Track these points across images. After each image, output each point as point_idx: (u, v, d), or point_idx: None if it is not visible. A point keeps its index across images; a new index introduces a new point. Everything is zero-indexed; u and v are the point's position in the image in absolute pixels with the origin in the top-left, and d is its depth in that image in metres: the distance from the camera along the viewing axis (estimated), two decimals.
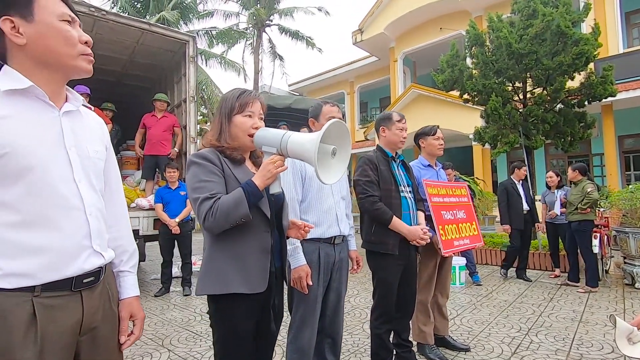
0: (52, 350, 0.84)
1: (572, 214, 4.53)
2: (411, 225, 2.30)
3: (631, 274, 4.57)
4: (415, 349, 2.64)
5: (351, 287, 4.74)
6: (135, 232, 4.65)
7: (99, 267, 0.95)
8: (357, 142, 15.37)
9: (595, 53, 5.80)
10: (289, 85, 18.68)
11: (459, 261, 4.77)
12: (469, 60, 7.06)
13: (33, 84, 0.88)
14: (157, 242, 4.81)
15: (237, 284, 1.28)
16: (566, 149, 6.43)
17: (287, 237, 1.52)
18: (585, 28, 8.13)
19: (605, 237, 5.25)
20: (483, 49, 6.50)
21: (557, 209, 5.00)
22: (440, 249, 2.50)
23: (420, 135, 2.87)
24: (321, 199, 1.89)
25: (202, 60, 13.39)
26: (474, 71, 6.73)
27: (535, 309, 3.75)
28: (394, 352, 2.39)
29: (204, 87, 12.79)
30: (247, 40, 15.73)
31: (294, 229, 1.48)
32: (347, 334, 3.12)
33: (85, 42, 0.95)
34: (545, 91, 6.25)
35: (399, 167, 2.42)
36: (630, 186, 5.12)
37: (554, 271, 5.29)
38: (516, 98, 6.65)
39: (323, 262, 1.86)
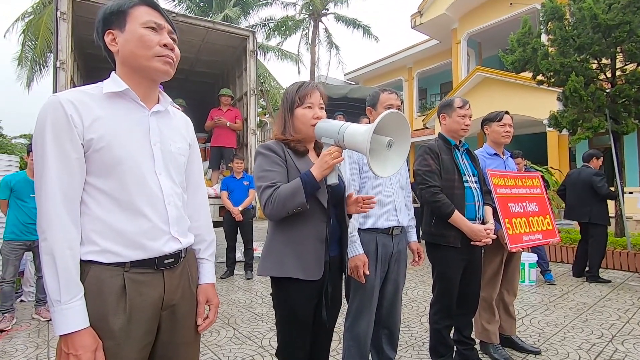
0: (138, 319, 0.96)
1: None
2: (476, 217, 2.18)
3: None
4: (478, 347, 2.52)
5: (409, 279, 4.64)
6: None
7: (177, 251, 1.05)
8: (415, 130, 14.81)
9: None
10: (345, 75, 18.52)
11: (529, 258, 4.41)
12: (544, 37, 6.36)
13: (128, 87, 1.02)
14: (222, 228, 5.15)
15: (294, 268, 1.34)
16: None
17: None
18: None
19: None
20: (562, 24, 5.79)
21: None
22: (506, 244, 2.33)
23: (485, 122, 2.68)
24: (379, 188, 1.86)
25: (260, 53, 13.83)
26: (550, 49, 6.04)
27: (621, 314, 3.34)
28: (455, 349, 2.31)
29: (262, 80, 13.23)
30: (303, 30, 15.87)
31: (352, 205, 1.48)
32: (405, 326, 3.07)
33: (165, 45, 1.03)
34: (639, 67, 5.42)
35: (463, 156, 2.29)
36: None
37: None
38: (602, 77, 5.85)
39: (380, 252, 1.84)
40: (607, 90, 5.67)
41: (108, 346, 0.92)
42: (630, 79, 5.38)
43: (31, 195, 3.28)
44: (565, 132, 6.59)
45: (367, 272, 1.73)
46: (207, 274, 1.20)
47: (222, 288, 4.29)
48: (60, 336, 0.89)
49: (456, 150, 2.25)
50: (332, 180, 1.35)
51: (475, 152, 2.65)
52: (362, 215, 1.86)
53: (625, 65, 5.70)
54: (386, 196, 1.87)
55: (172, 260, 1.04)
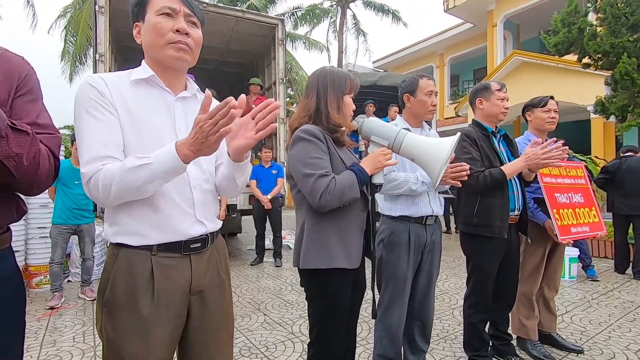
0: (166, 303, 0.97)
1: None
2: (515, 208, 2.07)
3: None
4: (515, 342, 2.42)
5: (439, 271, 4.53)
6: (233, 207, 5.14)
7: (203, 235, 1.05)
8: (446, 119, 14.34)
9: None
10: (373, 62, 18.11)
11: (570, 252, 4.17)
12: (592, 16, 5.90)
13: (154, 74, 1.02)
14: (251, 216, 5.24)
15: (341, 258, 1.33)
16: None
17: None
18: None
19: None
20: (614, 0, 5.35)
21: None
22: (557, 235, 2.19)
23: (527, 107, 2.52)
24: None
25: (288, 42, 13.79)
26: (598, 29, 5.60)
27: None
28: (490, 344, 2.23)
29: (290, 69, 13.21)
30: (331, 18, 15.62)
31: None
32: (436, 319, 3.01)
33: (177, 30, 0.98)
34: None
35: (501, 143, 2.17)
36: None
37: None
38: None
39: (413, 242, 1.79)
40: None
41: (138, 329, 0.94)
42: None
43: (75, 182, 3.47)
44: (612, 119, 6.14)
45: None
46: None
47: (252, 275, 4.38)
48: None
49: (493, 137, 2.13)
50: (379, 180, 1.39)
51: (517, 139, 2.51)
52: (395, 203, 1.81)
53: None
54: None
55: (199, 245, 1.04)
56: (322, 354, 1.38)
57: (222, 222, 1.17)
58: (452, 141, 1.30)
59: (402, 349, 1.97)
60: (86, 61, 12.59)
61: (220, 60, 6.60)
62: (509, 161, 2.13)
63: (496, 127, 2.21)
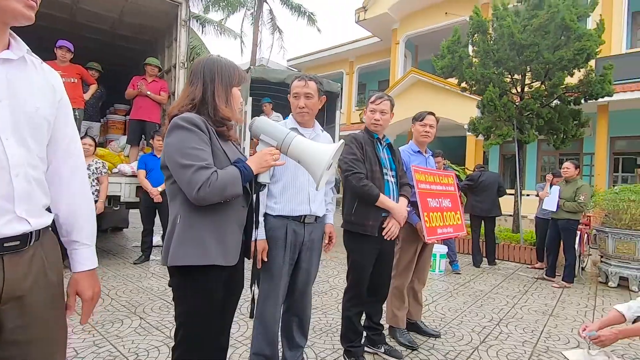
0: None
1: (560, 212, 4.53)
2: None
3: (606, 273, 4.67)
4: (386, 332, 2.67)
5: (332, 267, 4.76)
6: (117, 198, 4.57)
7: (23, 233, 0.86)
8: (353, 124, 15.22)
9: (597, 50, 5.70)
10: (288, 61, 18.24)
11: (440, 249, 4.81)
12: (470, 48, 6.90)
13: None
14: (138, 210, 4.73)
15: (217, 255, 1.27)
16: (558, 146, 6.42)
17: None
18: (590, 24, 7.97)
19: (586, 235, 5.35)
20: (485, 37, 6.35)
21: (554, 205, 4.60)
22: (424, 235, 2.48)
23: (412, 120, 2.82)
24: (295, 176, 1.82)
25: (197, 25, 12.91)
26: (474, 59, 6.59)
27: (509, 300, 3.81)
28: (364, 334, 2.41)
29: (198, 54, 12.39)
30: (247, 9, 15.17)
31: None
32: (322, 313, 3.14)
33: None
34: (543, 85, 6.17)
35: (385, 150, 2.36)
36: (615, 187, 5.15)
37: (537, 264, 5.41)
38: (514, 90, 6.56)
39: (290, 239, 1.81)
40: (517, 103, 6.37)
41: None
42: (535, 95, 6.10)
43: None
44: (481, 137, 7.28)
45: (265, 259, 1.73)
46: (79, 260, 1.02)
47: (133, 274, 3.95)
48: None
49: (378, 143, 2.31)
50: (265, 179, 1.39)
51: (401, 148, 2.78)
52: (274, 202, 1.82)
53: (532, 82, 6.45)
54: (300, 185, 1.83)
55: (17, 243, 0.85)
56: (186, 356, 1.29)
57: (51, 216, 0.95)
58: (334, 148, 1.35)
59: (281, 345, 1.98)
60: None
61: (111, 32, 5.80)
62: (390, 167, 2.33)
63: (384, 135, 2.40)
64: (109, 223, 6.62)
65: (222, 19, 14.74)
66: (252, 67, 6.94)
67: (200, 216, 1.26)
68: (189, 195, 1.21)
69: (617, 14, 9.73)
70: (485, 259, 5.48)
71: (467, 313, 3.35)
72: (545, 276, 4.80)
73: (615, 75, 6.28)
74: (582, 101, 6.22)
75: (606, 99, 6.57)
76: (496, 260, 5.57)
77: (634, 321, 2.35)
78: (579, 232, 4.69)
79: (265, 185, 1.43)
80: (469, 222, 5.50)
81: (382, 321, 2.51)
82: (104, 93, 5.84)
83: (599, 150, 9.52)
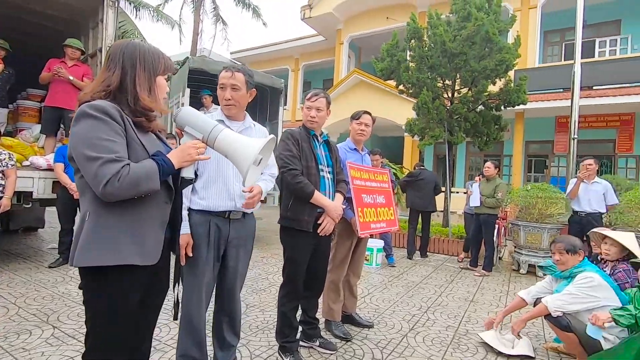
0: None
1: (482, 208, 4.99)
2: None
3: (518, 262, 5.25)
4: (322, 325, 2.72)
5: (272, 264, 4.73)
6: (28, 195, 4.06)
7: None
8: (297, 120, 15.20)
9: (514, 62, 6.36)
10: (231, 53, 17.68)
11: (377, 243, 5.02)
12: (408, 53, 7.28)
13: None
14: (55, 208, 4.25)
15: (132, 254, 1.18)
16: (482, 148, 7.05)
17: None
18: (510, 38, 8.87)
19: (503, 228, 5.96)
20: (421, 44, 6.74)
21: (478, 201, 5.08)
22: (357, 230, 2.56)
23: (350, 119, 2.89)
24: (220, 170, 1.75)
25: (130, 8, 11.93)
26: (410, 64, 6.96)
27: (437, 289, 4.11)
28: (300, 329, 2.43)
29: (131, 38, 11.45)
30: None
31: None
32: (259, 310, 3.11)
33: None
34: (470, 92, 6.73)
35: (322, 147, 2.39)
36: (528, 185, 5.81)
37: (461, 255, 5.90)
38: (445, 95, 7.06)
39: (213, 236, 1.74)
40: (447, 107, 6.86)
41: None
42: (463, 100, 6.63)
43: None
44: (416, 137, 7.73)
45: (190, 254, 1.66)
46: None
47: (48, 280, 3.54)
48: None
49: (315, 140, 2.33)
50: (189, 174, 1.31)
51: (338, 145, 2.83)
52: (197, 196, 1.74)
53: (461, 88, 7.00)
54: (225, 179, 1.77)
55: None
56: None
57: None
58: (262, 142, 1.31)
59: (212, 346, 1.92)
60: None
61: (20, 5, 5.11)
62: (327, 163, 2.37)
63: (322, 132, 2.43)
64: (20, 223, 5.87)
65: (160, 4, 13.83)
66: (190, 57, 6.58)
67: (112, 213, 1.17)
68: (95, 190, 1.12)
69: (532, 31, 10.95)
70: (418, 252, 5.85)
71: (399, 303, 3.55)
72: (469, 266, 5.25)
73: (529, 86, 7.06)
74: (502, 108, 6.89)
75: (522, 106, 7.37)
76: (428, 253, 5.98)
77: (535, 303, 2.68)
78: (497, 226, 5.21)
79: (191, 180, 1.37)
80: (407, 217, 5.85)
81: (319, 315, 2.55)
82: (12, 75, 5.14)
83: (516, 152, 10.66)
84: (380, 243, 5.06)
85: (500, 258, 5.78)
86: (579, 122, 6.64)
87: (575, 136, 6.36)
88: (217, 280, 1.82)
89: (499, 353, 2.54)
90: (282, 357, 2.25)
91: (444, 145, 7.07)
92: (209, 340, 1.95)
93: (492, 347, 2.60)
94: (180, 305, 1.45)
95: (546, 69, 10.64)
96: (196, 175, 1.43)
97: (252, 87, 1.84)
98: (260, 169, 1.45)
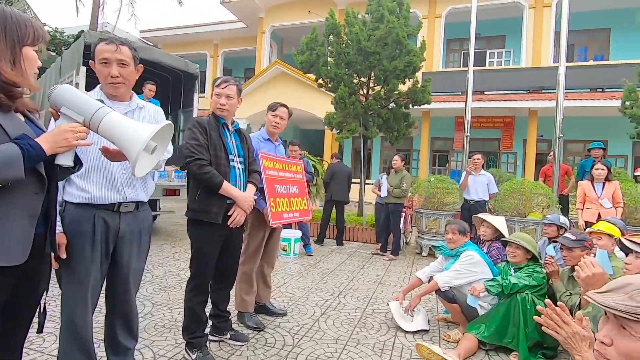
0: None
1: (389, 197, 5.41)
2: None
3: (421, 246, 5.84)
4: (235, 318, 2.68)
5: (184, 259, 4.49)
6: None
7: None
8: None
9: (420, 65, 6.97)
10: (141, 32, 16.07)
11: (295, 234, 5.11)
12: (327, 48, 7.45)
13: None
14: None
15: None
16: (393, 142, 7.62)
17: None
18: (419, 43, 9.71)
19: (409, 216, 6.56)
20: (338, 40, 6.97)
21: (386, 192, 5.51)
22: (269, 220, 2.57)
23: (267, 109, 2.87)
24: (101, 157, 1.49)
25: None
26: (329, 59, 7.15)
27: (349, 274, 4.36)
28: (210, 324, 2.36)
29: (11, 3, 9.66)
30: None
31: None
32: (167, 309, 2.94)
33: None
34: (382, 90, 7.18)
35: (232, 136, 2.33)
36: (430, 177, 6.47)
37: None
38: (361, 91, 7.43)
39: (100, 232, 1.53)
40: (363, 103, 7.24)
41: None
42: (377, 97, 7.06)
43: None
44: (335, 131, 8.01)
45: (63, 255, 1.46)
46: None
47: None
48: None
49: (225, 128, 2.26)
50: (66, 161, 1.17)
51: (252, 134, 2.79)
52: (75, 187, 1.53)
53: (375, 86, 7.44)
54: (111, 167, 1.56)
55: None
56: None
57: None
58: (155, 128, 1.22)
59: (106, 354, 1.75)
60: None
61: None
62: (238, 153, 2.31)
63: (233, 121, 2.35)
64: None
65: None
66: (85, 31, 5.80)
67: None
68: None
69: (437, 38, 12.13)
70: (334, 240, 6.12)
71: (313, 290, 3.68)
72: (379, 251, 5.67)
73: (433, 88, 7.81)
74: (410, 106, 7.52)
75: (427, 106, 8.13)
76: (343, 241, 6.28)
77: (429, 280, 3.02)
78: (403, 214, 5.71)
79: (73, 168, 1.21)
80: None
81: (231, 307, 2.51)
82: None
83: (423, 147, 11.79)
84: (297, 233, 5.16)
85: (407, 243, 6.36)
86: (471, 122, 7.61)
87: (468, 134, 7.28)
88: (107, 279, 1.64)
89: (399, 329, 2.81)
90: (188, 354, 2.16)
91: (360, 139, 7.46)
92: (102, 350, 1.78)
93: (394, 323, 2.86)
94: (47, 314, 1.27)
95: (448, 74, 11.91)
96: (81, 163, 1.27)
97: (139, 63, 1.65)
98: (155, 158, 1.35)
